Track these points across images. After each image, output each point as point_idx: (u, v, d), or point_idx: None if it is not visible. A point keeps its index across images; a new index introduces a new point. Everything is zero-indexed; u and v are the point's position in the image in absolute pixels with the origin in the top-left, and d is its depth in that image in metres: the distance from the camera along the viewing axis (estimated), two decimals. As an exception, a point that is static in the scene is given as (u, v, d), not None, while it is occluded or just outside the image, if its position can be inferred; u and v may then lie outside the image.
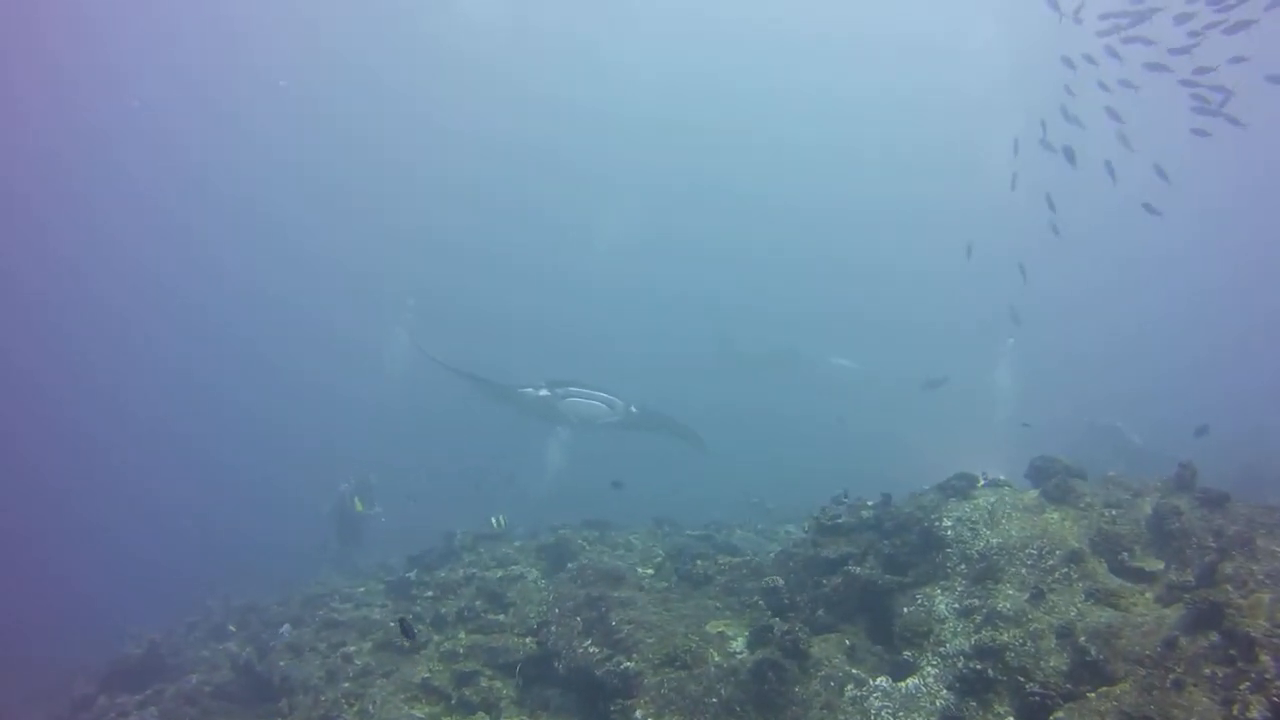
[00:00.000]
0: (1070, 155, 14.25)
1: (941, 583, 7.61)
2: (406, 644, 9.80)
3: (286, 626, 12.07)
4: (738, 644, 7.81)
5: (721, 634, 8.02)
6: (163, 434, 38.32)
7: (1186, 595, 6.26)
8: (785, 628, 7.23)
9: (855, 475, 13.19)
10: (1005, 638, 6.51)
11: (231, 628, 14.13)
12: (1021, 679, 6.19)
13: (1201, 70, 13.59)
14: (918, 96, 41.05)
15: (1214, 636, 5.75)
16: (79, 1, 35.09)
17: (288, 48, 41.33)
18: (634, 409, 16.11)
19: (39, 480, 33.57)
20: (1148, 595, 6.87)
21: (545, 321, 43.20)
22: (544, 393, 16.16)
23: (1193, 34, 13.37)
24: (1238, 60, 13.30)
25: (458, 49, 41.22)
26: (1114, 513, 7.81)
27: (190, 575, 20.48)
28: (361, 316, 41.15)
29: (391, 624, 10.35)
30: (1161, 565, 7.20)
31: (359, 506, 17.26)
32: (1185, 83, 13.70)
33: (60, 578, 23.74)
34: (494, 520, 13.49)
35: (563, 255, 46.76)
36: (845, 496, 9.54)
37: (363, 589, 13.30)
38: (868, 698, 6.67)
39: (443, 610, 10.37)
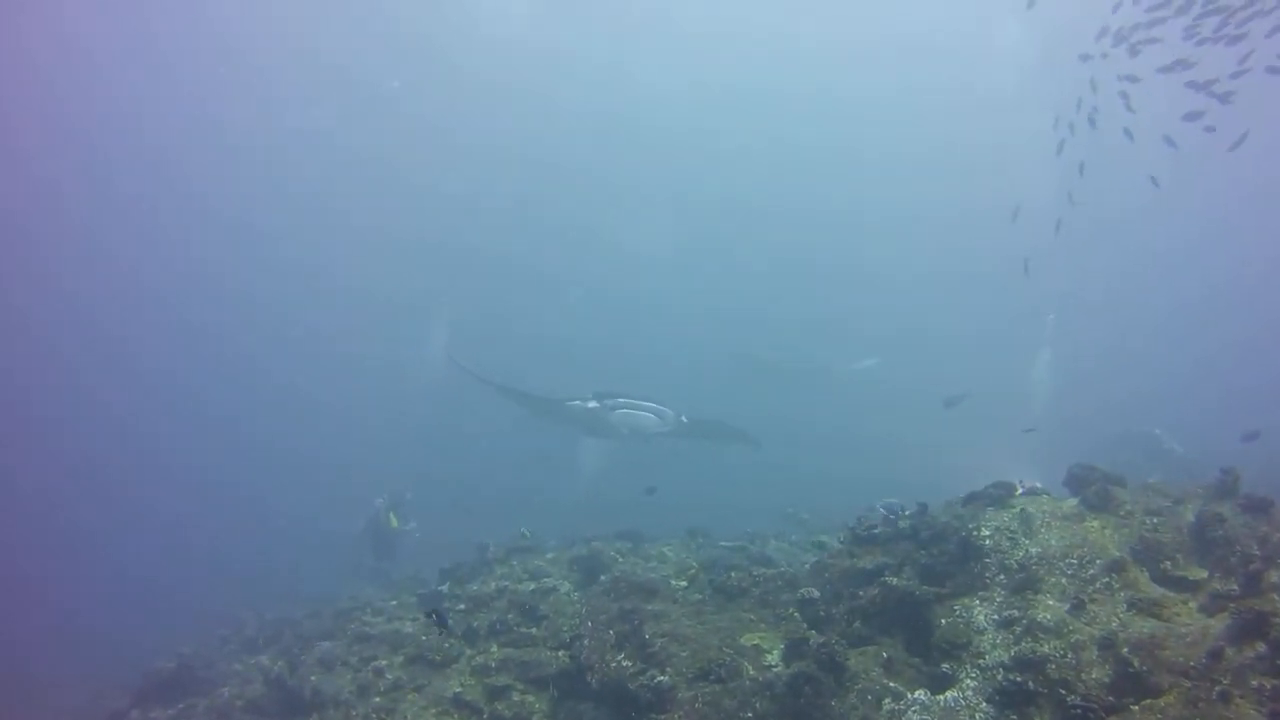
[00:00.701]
0: (1094, 121, 15.42)
1: (980, 593, 7.51)
2: (440, 652, 9.79)
3: (328, 644, 12.08)
4: (773, 657, 7.74)
5: (756, 647, 7.94)
6: (193, 456, 38.50)
7: (1231, 604, 6.16)
8: (821, 640, 7.15)
9: (887, 484, 13.10)
10: (1046, 649, 6.41)
11: (260, 642, 14.20)
12: (1063, 691, 6.08)
13: (1208, 82, 14.45)
14: (944, 97, 40.81)
15: (1260, 647, 5.65)
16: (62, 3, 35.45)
17: (299, 74, 41.93)
18: (684, 418, 15.83)
19: (64, 501, 33.83)
20: (1191, 605, 6.74)
21: (562, 332, 43.12)
22: (593, 405, 15.86)
23: (1200, 42, 14.04)
24: (1238, 74, 14.25)
25: (480, 69, 41.46)
26: (1155, 520, 7.69)
27: (214, 592, 20.60)
28: (385, 332, 41.56)
29: (424, 638, 10.35)
30: (1205, 574, 7.07)
31: (394, 522, 17.25)
32: (1193, 85, 14.45)
33: (80, 597, 23.83)
34: (523, 532, 13.50)
35: (562, 259, 46.63)
36: (901, 508, 9.36)
37: (395, 602, 13.30)
38: (905, 711, 6.57)
39: (475, 623, 10.33)
